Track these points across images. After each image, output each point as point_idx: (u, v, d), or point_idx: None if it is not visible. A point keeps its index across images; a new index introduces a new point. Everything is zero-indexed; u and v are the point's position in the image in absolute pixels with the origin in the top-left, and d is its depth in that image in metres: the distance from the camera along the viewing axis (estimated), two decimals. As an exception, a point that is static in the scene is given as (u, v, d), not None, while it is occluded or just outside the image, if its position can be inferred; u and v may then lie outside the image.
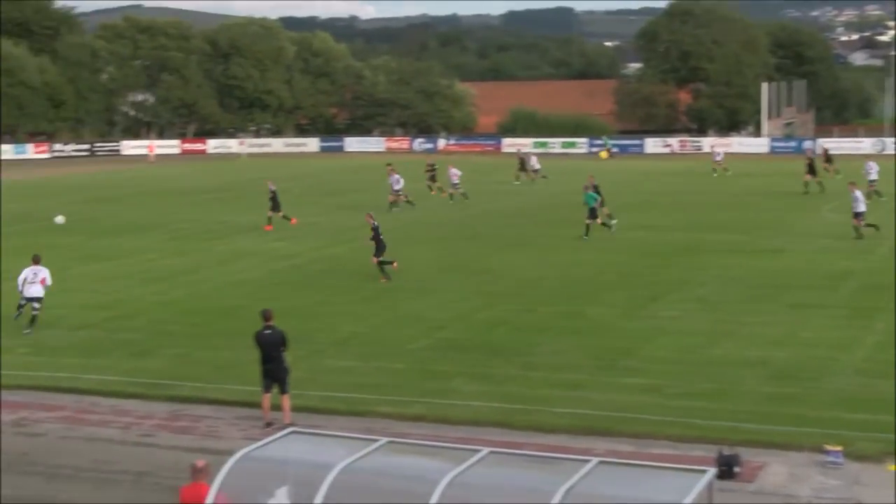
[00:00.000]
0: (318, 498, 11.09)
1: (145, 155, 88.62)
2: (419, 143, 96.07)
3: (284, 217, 43.43)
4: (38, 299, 26.32)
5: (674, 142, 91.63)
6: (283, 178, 64.16)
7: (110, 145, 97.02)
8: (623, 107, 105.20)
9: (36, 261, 26.89)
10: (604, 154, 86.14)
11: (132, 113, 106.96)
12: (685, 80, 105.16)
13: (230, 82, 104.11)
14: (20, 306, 26.45)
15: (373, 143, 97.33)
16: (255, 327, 25.91)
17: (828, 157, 61.24)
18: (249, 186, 62.06)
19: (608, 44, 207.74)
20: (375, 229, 32.22)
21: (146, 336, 25.62)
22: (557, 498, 10.58)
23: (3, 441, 18.70)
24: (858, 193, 39.11)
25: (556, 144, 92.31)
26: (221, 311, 28.19)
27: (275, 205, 43.72)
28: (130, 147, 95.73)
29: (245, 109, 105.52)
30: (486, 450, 11.94)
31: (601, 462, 11.64)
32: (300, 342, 24.65)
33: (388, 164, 52.92)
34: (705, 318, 26.38)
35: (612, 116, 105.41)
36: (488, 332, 25.65)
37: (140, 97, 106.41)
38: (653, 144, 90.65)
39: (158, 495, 15.95)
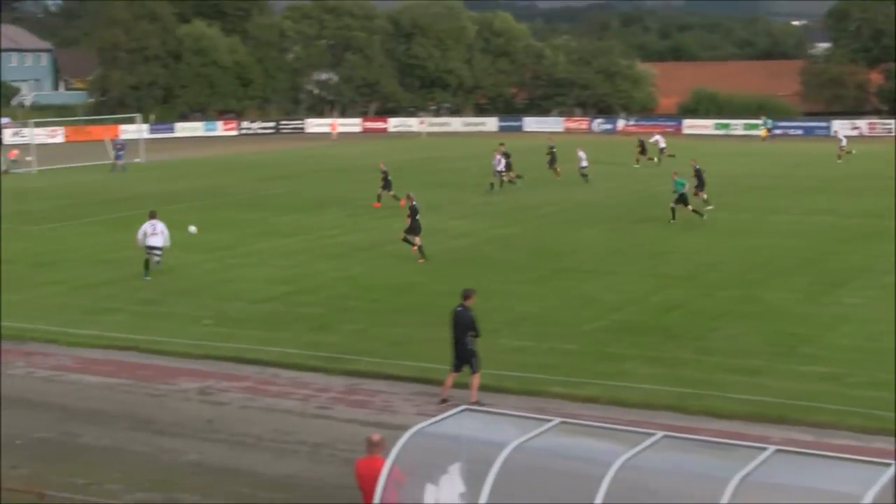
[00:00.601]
0: (491, 476, 11.14)
1: (328, 133, 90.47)
2: (598, 124, 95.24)
3: (395, 197, 43.77)
4: (158, 248, 30.37)
5: (862, 124, 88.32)
6: (461, 157, 64.67)
7: (295, 123, 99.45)
8: (809, 88, 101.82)
9: (152, 216, 30.82)
10: (764, 133, 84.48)
11: (316, 91, 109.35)
12: (877, 61, 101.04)
13: (411, 62, 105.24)
14: (146, 260, 30.21)
15: (551, 124, 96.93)
16: (432, 304, 26.37)
17: None
18: (429, 165, 62.70)
19: (795, 23, 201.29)
20: (413, 209, 32.88)
21: (325, 311, 26.18)
22: (733, 485, 10.36)
23: (189, 408, 19.44)
24: None
25: (738, 126, 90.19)
26: (399, 288, 28.59)
27: (386, 184, 45.04)
28: (314, 125, 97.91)
29: (425, 88, 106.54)
30: (660, 433, 11.78)
31: (778, 450, 11.31)
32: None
33: (501, 144, 53.76)
34: (891, 307, 25.37)
35: (797, 98, 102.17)
36: (663, 315, 25.30)
37: (324, 76, 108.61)
38: (840, 127, 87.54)
39: (334, 467, 16.31)
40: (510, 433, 11.70)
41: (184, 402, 19.77)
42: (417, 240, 32.70)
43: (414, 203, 33.04)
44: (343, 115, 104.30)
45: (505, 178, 50.10)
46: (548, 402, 18.91)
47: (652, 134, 66.21)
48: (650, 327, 24.09)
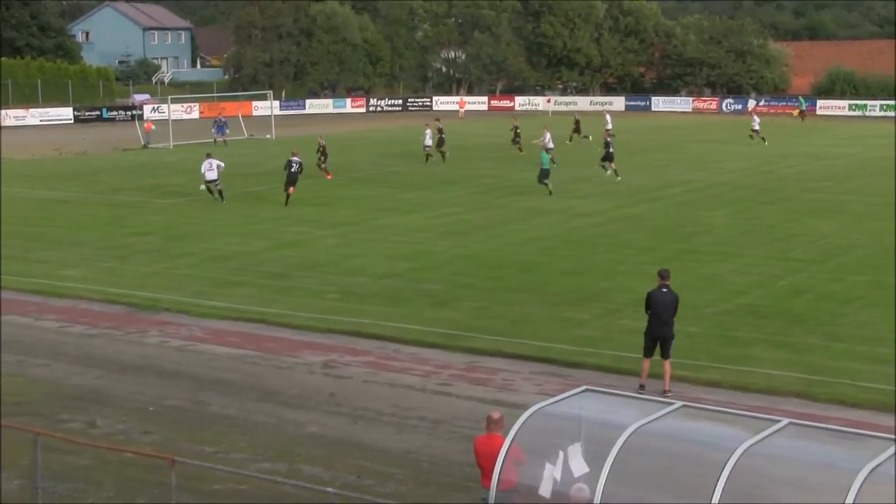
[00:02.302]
0: (611, 457, 11.06)
1: (455, 111, 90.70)
2: (728, 104, 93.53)
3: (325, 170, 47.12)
4: (215, 181, 39.77)
5: None
6: (586, 136, 64.01)
7: (422, 100, 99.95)
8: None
9: (209, 156, 40.24)
10: (796, 112, 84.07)
11: (444, 69, 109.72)
12: None
13: (539, 40, 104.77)
14: (208, 189, 39.82)
15: (679, 104, 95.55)
16: (553, 283, 26.31)
17: None
18: (555, 144, 62.30)
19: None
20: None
21: (446, 287, 26.30)
22: (861, 477, 10.06)
23: (313, 381, 19.77)
24: None
25: (874, 107, 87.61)
26: (520, 266, 28.56)
27: (323, 157, 47.71)
28: (441, 102, 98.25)
29: (553, 67, 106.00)
30: (785, 420, 11.52)
31: (910, 443, 10.98)
32: (596, 300, 24.76)
33: (437, 119, 57.83)
34: None
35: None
36: (791, 299, 24.78)
37: (452, 54, 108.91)
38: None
39: (454, 444, 16.41)
40: (631, 415, 11.59)
41: (308, 374, 20.09)
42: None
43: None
44: (470, 92, 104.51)
45: (431, 154, 52.87)
46: (663, 377, 18.65)
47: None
48: (777, 311, 23.62)
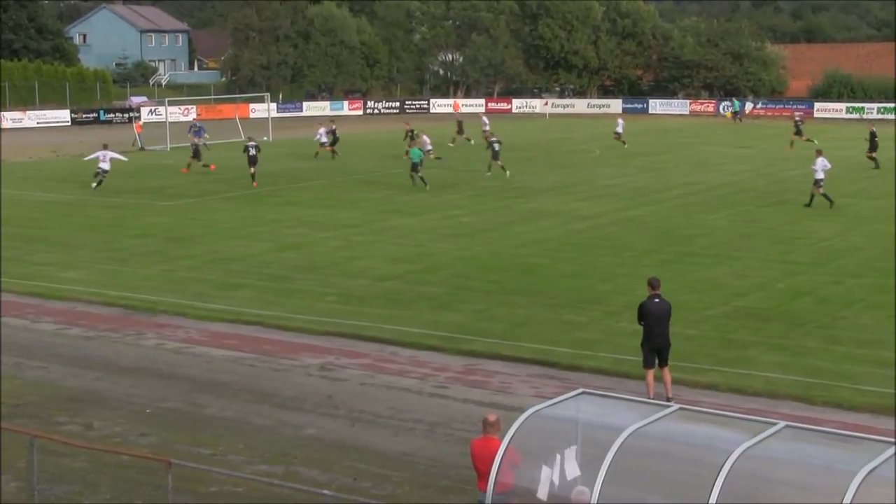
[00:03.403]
0: (607, 460, 11.06)
1: (451, 113, 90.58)
2: (725, 107, 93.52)
3: (204, 165, 49.78)
4: (106, 171, 43.44)
5: None
6: (583, 138, 64.20)
7: (419, 103, 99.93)
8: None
9: (105, 147, 44.30)
10: (728, 114, 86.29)
11: (441, 72, 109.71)
12: None
13: (537, 42, 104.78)
14: (97, 176, 43.47)
15: (677, 106, 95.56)
16: (553, 286, 26.30)
17: None
18: (554, 146, 62.45)
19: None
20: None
21: (446, 290, 26.30)
22: (858, 479, 10.06)
23: (310, 383, 19.76)
24: None
25: (872, 110, 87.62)
26: (520, 269, 28.55)
27: (196, 154, 50.22)
28: (438, 105, 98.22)
29: (550, 69, 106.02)
30: (781, 423, 11.53)
31: (907, 445, 10.97)
32: (596, 303, 24.77)
33: (332, 121, 59.94)
34: None
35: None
36: (790, 301, 24.78)
37: (449, 57, 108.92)
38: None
39: (450, 446, 16.40)
40: (628, 418, 11.59)
41: (305, 377, 20.09)
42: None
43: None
44: (467, 95, 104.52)
45: (326, 150, 55.55)
46: (664, 386, 18.64)
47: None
48: (776, 314, 23.62)
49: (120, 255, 31.08)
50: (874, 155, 50.29)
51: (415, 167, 44.37)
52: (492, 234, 33.86)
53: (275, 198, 41.01)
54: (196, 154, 50.62)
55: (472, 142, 62.29)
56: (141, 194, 43.21)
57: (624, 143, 60.12)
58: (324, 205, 39.81)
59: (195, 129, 61.12)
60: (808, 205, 37.96)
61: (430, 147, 52.19)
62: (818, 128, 73.03)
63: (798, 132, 59.55)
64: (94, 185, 43.43)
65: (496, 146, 47.74)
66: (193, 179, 47.75)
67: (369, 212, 38.20)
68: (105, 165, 43.82)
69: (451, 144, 61.61)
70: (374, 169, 51.64)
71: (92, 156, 45.53)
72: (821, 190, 37.97)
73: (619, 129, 60.92)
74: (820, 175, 38.03)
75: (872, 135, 51.11)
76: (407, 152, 53.04)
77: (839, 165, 49.47)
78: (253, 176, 44.61)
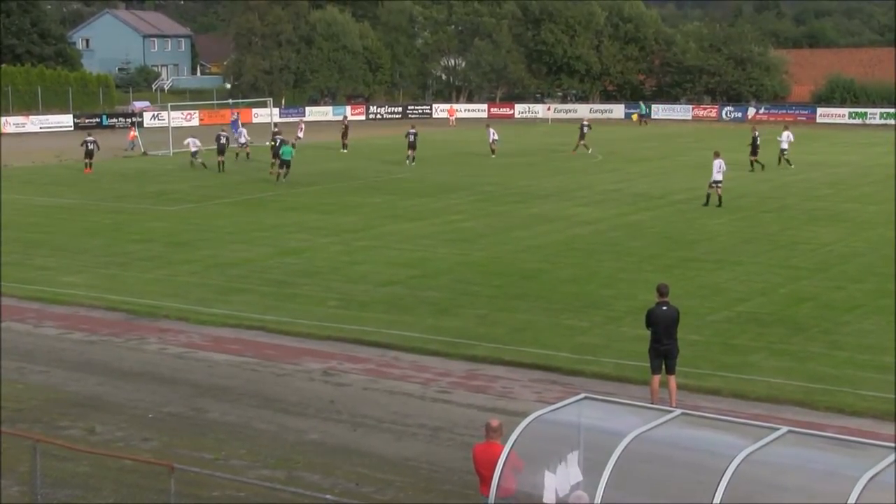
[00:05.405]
0: (610, 465, 11.06)
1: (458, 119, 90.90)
2: (728, 112, 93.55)
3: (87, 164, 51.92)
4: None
5: None
6: (588, 143, 64.04)
7: (422, 108, 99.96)
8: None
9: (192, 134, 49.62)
10: (634, 117, 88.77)
11: (444, 77, 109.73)
12: None
13: (539, 47, 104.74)
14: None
15: (679, 111, 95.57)
16: (555, 291, 26.30)
17: None
18: (555, 151, 62.45)
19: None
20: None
21: (448, 295, 26.29)
22: (860, 485, 10.05)
23: (313, 388, 19.76)
24: None
25: (874, 115, 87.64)
26: (522, 274, 28.55)
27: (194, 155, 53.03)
28: (440, 110, 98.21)
29: (553, 74, 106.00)
30: (784, 428, 11.52)
31: (910, 451, 10.96)
32: (598, 308, 24.76)
33: (276, 125, 61.52)
34: None
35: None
36: (792, 307, 24.77)
37: (452, 62, 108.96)
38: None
39: (453, 451, 16.39)
40: (630, 423, 11.59)
41: (308, 381, 20.09)
42: None
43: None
44: (470, 100, 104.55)
45: (244, 151, 57.55)
46: (668, 394, 18.62)
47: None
48: (778, 319, 23.62)
49: (121, 259, 31.10)
50: (757, 158, 51.18)
51: (283, 163, 47.31)
52: (493, 238, 33.86)
53: (275, 203, 41.04)
54: (222, 151, 52.80)
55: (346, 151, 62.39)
56: (142, 199, 43.25)
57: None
58: (324, 210, 39.82)
59: (235, 123, 61.63)
60: (706, 204, 39.89)
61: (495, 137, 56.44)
62: (820, 133, 73.13)
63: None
64: (200, 161, 52.25)
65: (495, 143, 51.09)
66: (194, 184, 47.77)
67: (370, 217, 38.20)
68: (195, 148, 53.14)
69: (343, 151, 62.14)
70: (375, 174, 51.65)
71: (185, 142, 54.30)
72: (719, 190, 39.84)
73: (585, 130, 61.00)
74: (718, 176, 39.80)
75: (754, 139, 51.60)
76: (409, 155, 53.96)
77: (841, 171, 49.54)
78: (220, 164, 51.20)
